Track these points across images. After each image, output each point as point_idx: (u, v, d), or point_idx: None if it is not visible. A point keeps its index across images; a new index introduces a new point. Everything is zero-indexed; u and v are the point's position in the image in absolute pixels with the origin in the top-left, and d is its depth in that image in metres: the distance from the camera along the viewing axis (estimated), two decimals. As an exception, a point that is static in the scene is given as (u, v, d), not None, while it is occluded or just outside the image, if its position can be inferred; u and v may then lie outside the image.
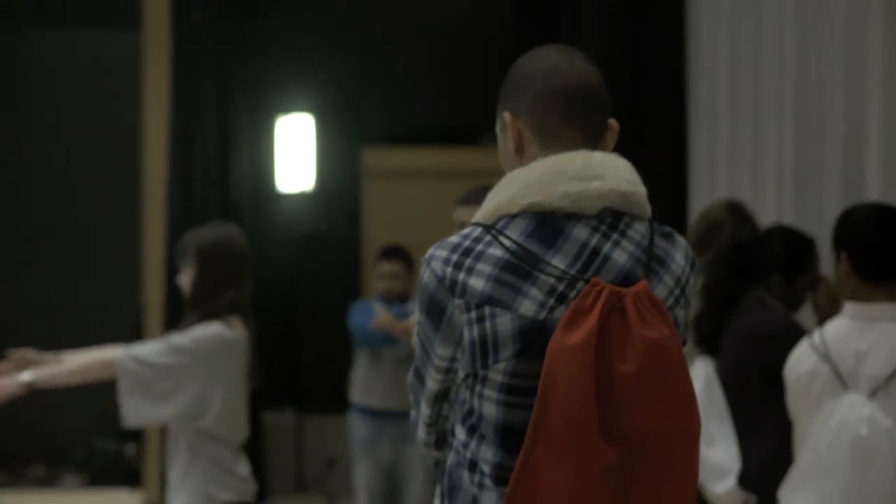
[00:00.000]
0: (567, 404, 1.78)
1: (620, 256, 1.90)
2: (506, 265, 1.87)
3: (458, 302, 1.89)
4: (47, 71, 9.74)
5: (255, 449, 7.79)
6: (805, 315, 3.90)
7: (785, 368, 3.19)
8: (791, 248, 3.81)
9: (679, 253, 1.96)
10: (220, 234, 3.90)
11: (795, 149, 4.74)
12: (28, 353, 3.76)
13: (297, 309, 8.87)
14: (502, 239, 1.89)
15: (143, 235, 8.10)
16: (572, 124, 1.96)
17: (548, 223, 1.89)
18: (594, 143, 1.97)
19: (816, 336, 3.12)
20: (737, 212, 4.30)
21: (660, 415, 1.82)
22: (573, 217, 1.90)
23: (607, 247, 1.89)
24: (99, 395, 10.14)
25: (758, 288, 3.78)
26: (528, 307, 1.86)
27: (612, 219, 1.91)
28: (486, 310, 1.86)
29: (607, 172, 1.92)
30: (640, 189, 1.95)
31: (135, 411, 3.72)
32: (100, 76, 9.68)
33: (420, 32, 9.18)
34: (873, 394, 2.99)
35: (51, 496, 8.93)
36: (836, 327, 3.11)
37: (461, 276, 1.89)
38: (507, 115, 2.00)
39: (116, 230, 9.38)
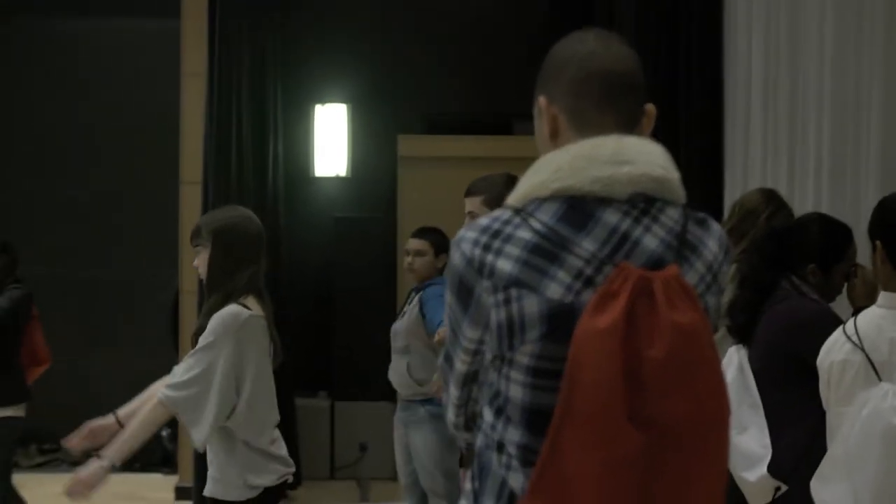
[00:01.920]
0: (594, 389, 1.77)
1: (651, 241, 1.89)
2: (534, 248, 1.87)
3: (486, 283, 1.89)
4: (90, 57, 9.81)
5: (288, 434, 7.84)
6: (842, 304, 3.87)
7: (818, 357, 3.18)
8: (828, 236, 3.78)
9: (712, 239, 1.95)
10: (234, 217, 3.93)
11: (833, 137, 4.71)
12: (93, 426, 3.81)
13: (332, 294, 8.90)
14: (532, 221, 1.89)
15: (180, 218, 8.15)
16: (606, 109, 1.95)
17: (578, 207, 1.89)
18: (629, 128, 1.96)
19: (850, 325, 3.10)
20: (773, 199, 4.28)
21: (688, 402, 1.79)
22: (604, 201, 1.89)
23: (638, 231, 1.89)
24: (134, 379, 10.23)
25: (793, 276, 3.75)
26: (554, 290, 1.86)
27: (644, 204, 1.90)
28: (514, 292, 1.87)
29: (639, 157, 1.91)
30: (673, 174, 1.94)
31: (203, 432, 3.75)
32: (140, 63, 9.75)
33: (455, 22, 9.18)
34: (908, 382, 2.97)
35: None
36: (869, 316, 3.08)
37: (489, 257, 1.89)
38: (542, 100, 2.00)
39: (155, 213, 9.44)
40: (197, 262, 3.92)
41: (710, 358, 1.83)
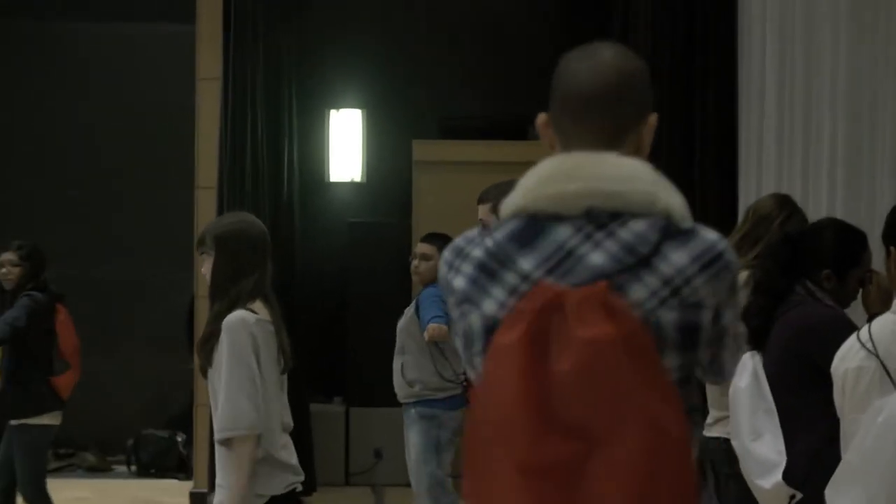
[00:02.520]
0: (499, 401, 1.84)
1: (598, 257, 1.91)
2: (480, 265, 1.97)
3: (451, 300, 2.03)
4: (107, 62, 9.85)
5: (303, 440, 7.83)
6: (857, 311, 3.85)
7: (832, 364, 3.15)
8: (842, 241, 3.76)
9: (682, 253, 1.92)
10: (238, 223, 3.93)
11: (847, 140, 4.69)
12: None
13: (347, 299, 8.90)
14: (487, 240, 1.98)
15: (195, 223, 8.16)
16: (581, 126, 2.00)
17: (532, 224, 1.95)
18: (608, 143, 1.98)
19: (864, 332, 3.08)
20: (786, 204, 4.26)
21: (601, 412, 1.82)
22: (559, 218, 1.94)
23: (585, 247, 1.92)
24: (151, 385, 10.26)
25: (807, 282, 3.73)
26: (489, 306, 1.94)
27: (603, 218, 1.93)
28: (465, 307, 1.98)
29: (593, 173, 1.94)
30: (636, 186, 1.94)
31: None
32: (156, 67, 9.78)
33: (470, 27, 9.18)
34: (922, 390, 2.95)
35: (102, 484, 9.02)
36: (884, 323, 3.06)
37: (451, 275, 2.02)
38: (541, 117, 2.06)
39: (170, 217, 9.46)
40: (204, 269, 3.93)
41: (626, 372, 1.83)
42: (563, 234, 1.93)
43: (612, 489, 1.81)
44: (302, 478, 3.91)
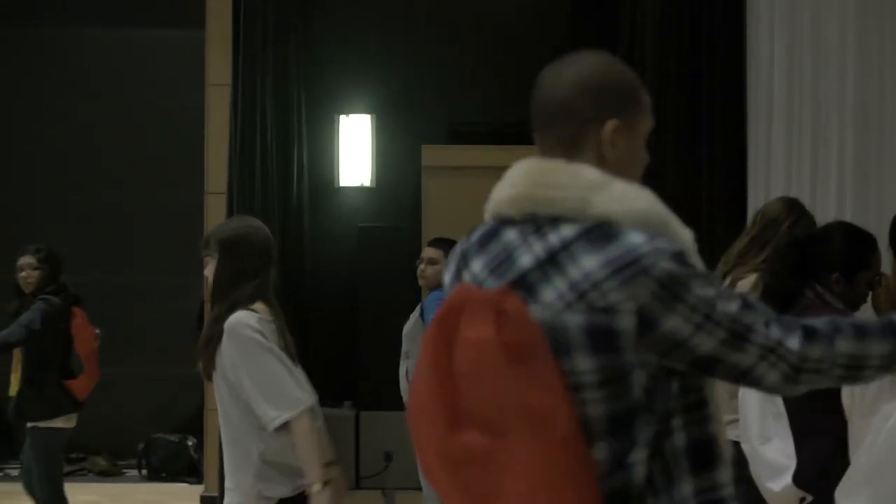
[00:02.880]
0: (416, 392, 2.03)
1: (526, 260, 2.00)
2: (455, 266, 2.16)
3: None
4: (116, 67, 9.88)
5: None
6: (867, 314, 3.84)
7: (841, 367, 3.15)
8: (851, 244, 3.75)
9: (593, 257, 1.95)
10: (242, 227, 3.94)
11: (856, 141, 4.69)
12: None
13: (357, 304, 8.91)
14: (463, 242, 2.16)
15: (205, 228, 8.19)
16: (542, 134, 2.11)
17: (495, 228, 2.09)
18: (563, 151, 2.06)
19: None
20: (794, 208, 4.26)
21: (490, 410, 1.94)
22: (511, 222, 2.05)
23: (520, 250, 2.01)
24: (161, 389, 10.29)
25: (817, 285, 3.73)
26: None
27: (543, 222, 2.01)
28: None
29: (535, 178, 2.04)
30: (569, 192, 2.00)
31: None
32: (165, 74, 9.81)
33: (478, 32, 9.19)
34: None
35: (113, 488, 9.05)
36: None
37: (445, 275, 2.21)
38: None
39: (180, 223, 9.49)
40: (207, 272, 3.94)
41: (500, 372, 1.92)
42: (510, 237, 2.04)
43: (511, 482, 1.91)
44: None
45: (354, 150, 9.13)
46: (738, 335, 1.96)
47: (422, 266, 6.17)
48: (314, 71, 8.78)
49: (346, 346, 8.87)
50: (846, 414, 3.17)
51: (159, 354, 9.68)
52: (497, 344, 1.93)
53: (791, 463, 3.62)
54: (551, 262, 1.97)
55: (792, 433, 3.65)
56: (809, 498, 3.58)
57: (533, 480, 1.91)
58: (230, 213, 7.91)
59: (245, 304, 3.80)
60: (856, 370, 2.04)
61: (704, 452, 2.00)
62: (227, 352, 3.76)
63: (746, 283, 4.24)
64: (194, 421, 9.16)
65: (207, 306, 8.07)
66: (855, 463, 3.11)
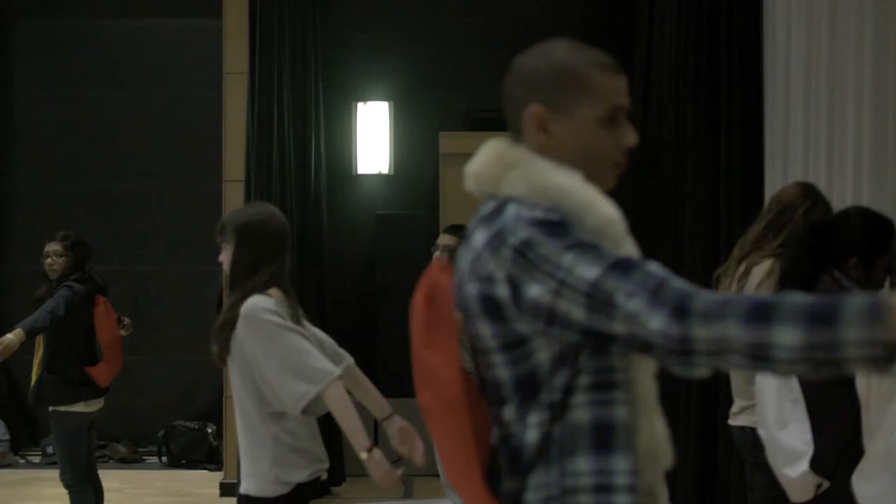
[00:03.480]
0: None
1: (480, 235, 2.11)
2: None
3: None
4: (134, 56, 9.90)
5: (332, 431, 7.86)
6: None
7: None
8: (869, 229, 3.73)
9: (482, 231, 2.09)
10: (258, 214, 3.95)
11: (872, 134, 4.67)
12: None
13: (375, 291, 8.93)
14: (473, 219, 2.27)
15: (223, 215, 8.20)
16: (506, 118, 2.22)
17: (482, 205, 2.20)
18: (515, 134, 2.19)
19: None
20: (810, 193, 4.24)
21: (422, 372, 2.19)
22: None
23: (473, 224, 2.15)
24: (181, 377, 10.32)
25: (834, 270, 3.71)
26: None
27: (486, 200, 2.16)
28: None
29: (474, 160, 2.19)
30: (486, 171, 2.14)
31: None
32: (183, 61, 9.83)
33: (496, 19, 9.18)
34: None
35: (134, 474, 9.09)
36: None
37: None
38: None
39: (199, 210, 9.52)
40: (222, 258, 3.95)
41: (420, 331, 2.18)
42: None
43: (435, 436, 2.17)
44: (327, 465, 3.93)
45: (372, 137, 9.14)
46: (601, 302, 1.95)
47: (437, 253, 6.17)
48: (332, 58, 8.78)
49: (364, 334, 8.89)
50: (862, 399, 3.16)
51: (179, 342, 9.72)
52: (421, 311, 2.18)
53: (808, 449, 3.61)
54: (468, 237, 2.13)
55: (810, 419, 3.64)
56: (826, 484, 3.57)
57: (442, 435, 2.14)
58: (248, 201, 7.92)
59: (261, 290, 3.82)
60: (763, 361, 1.84)
61: (605, 436, 2.01)
62: (242, 336, 3.77)
63: (762, 269, 4.22)
64: (214, 408, 9.20)
65: (226, 293, 8.14)
66: (872, 447, 3.10)
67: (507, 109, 2.21)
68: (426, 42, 9.20)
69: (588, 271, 1.95)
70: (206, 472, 9.13)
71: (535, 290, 1.99)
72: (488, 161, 2.16)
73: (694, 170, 6.83)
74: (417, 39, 9.21)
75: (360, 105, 9.11)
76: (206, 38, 9.47)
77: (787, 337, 1.79)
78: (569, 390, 2.02)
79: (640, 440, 2.04)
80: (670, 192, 7.02)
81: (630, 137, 2.14)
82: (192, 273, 9.68)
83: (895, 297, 1.74)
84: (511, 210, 2.06)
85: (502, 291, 2.03)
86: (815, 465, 3.59)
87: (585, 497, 1.99)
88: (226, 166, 8.38)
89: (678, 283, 1.90)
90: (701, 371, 1.92)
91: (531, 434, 2.04)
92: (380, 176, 9.23)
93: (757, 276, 4.21)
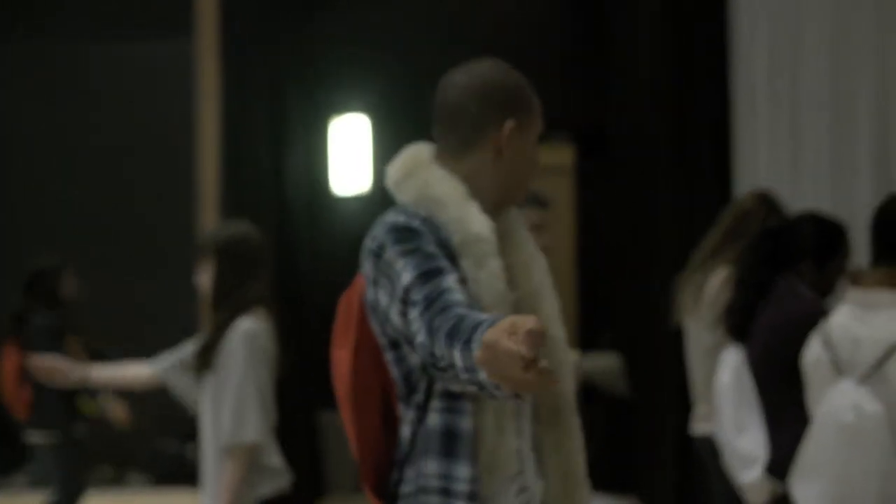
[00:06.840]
0: None
1: None
2: None
3: None
4: (106, 80, 9.92)
5: (312, 447, 7.88)
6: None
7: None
8: (821, 233, 3.79)
9: (370, 238, 2.21)
10: (236, 232, 3.98)
11: (832, 140, 4.73)
12: None
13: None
14: None
15: (197, 236, 8.20)
16: (436, 133, 2.28)
17: None
18: (453, 151, 2.22)
19: (825, 324, 3.11)
20: (766, 202, 4.29)
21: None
22: None
23: None
24: (161, 396, 10.27)
25: (788, 274, 3.76)
26: None
27: None
28: None
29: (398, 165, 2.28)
30: (393, 176, 2.24)
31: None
32: (155, 83, 9.84)
33: (476, 31, 9.17)
34: (864, 380, 2.98)
35: (116, 496, 9.08)
36: (838, 314, 3.10)
37: None
38: None
39: (173, 233, 9.52)
40: (201, 278, 3.97)
41: (338, 326, 2.29)
42: None
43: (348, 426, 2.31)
44: (287, 479, 3.96)
45: (350, 153, 9.09)
46: (407, 309, 2.06)
47: None
48: (307, 74, 8.78)
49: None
50: (807, 402, 3.20)
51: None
52: (339, 313, 2.28)
53: (763, 454, 3.64)
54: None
55: (766, 424, 3.67)
56: (782, 488, 3.59)
57: (348, 428, 2.27)
58: (223, 220, 7.92)
59: (246, 309, 3.84)
60: (457, 380, 1.97)
61: (451, 443, 2.09)
62: (230, 352, 3.80)
63: (718, 278, 4.26)
64: (196, 428, 9.19)
65: (202, 314, 8.13)
66: (803, 451, 3.15)
67: (457, 124, 2.22)
68: (406, 56, 9.17)
69: (404, 278, 2.05)
70: (188, 492, 9.12)
71: (380, 293, 2.12)
72: (396, 167, 2.24)
73: (664, 175, 6.83)
74: (395, 54, 9.18)
75: (336, 120, 9.05)
76: (178, 58, 9.47)
77: (457, 357, 1.88)
78: (429, 394, 2.11)
79: (481, 451, 2.08)
80: (639, 200, 7.05)
81: (538, 160, 2.26)
82: (169, 293, 9.65)
83: (496, 329, 1.75)
84: (387, 215, 2.16)
85: (371, 294, 2.15)
86: (771, 469, 3.62)
87: (434, 498, 2.10)
88: (199, 186, 8.37)
89: (448, 297, 1.96)
90: (464, 388, 1.98)
91: (405, 430, 2.15)
92: (358, 197, 9.20)
93: (714, 285, 4.25)
